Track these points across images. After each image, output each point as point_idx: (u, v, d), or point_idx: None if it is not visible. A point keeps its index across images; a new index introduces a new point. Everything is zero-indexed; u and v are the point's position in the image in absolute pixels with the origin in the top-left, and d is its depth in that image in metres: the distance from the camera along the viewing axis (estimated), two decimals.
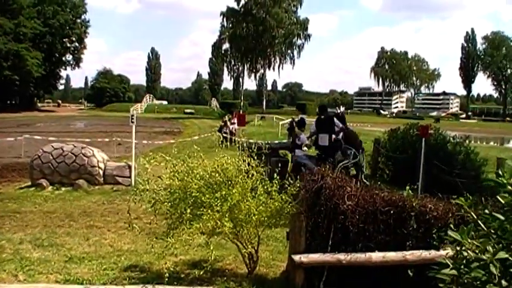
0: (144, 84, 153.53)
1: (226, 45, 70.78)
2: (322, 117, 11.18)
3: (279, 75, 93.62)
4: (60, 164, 12.89)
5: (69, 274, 5.86)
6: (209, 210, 4.99)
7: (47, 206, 10.72)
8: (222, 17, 68.73)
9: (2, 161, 18.87)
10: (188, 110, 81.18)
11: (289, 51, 68.73)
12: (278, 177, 5.38)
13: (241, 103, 71.56)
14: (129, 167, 13.09)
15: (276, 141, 18.42)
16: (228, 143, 23.01)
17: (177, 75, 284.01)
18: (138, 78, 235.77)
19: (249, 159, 5.46)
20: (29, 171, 13.66)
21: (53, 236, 7.95)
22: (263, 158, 5.90)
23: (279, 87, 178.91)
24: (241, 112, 31.40)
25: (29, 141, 21.88)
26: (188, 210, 5.08)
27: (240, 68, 71.43)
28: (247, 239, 5.43)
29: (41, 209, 10.35)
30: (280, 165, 6.86)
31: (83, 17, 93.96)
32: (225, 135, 23.97)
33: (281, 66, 69.20)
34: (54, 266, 6.21)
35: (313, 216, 5.01)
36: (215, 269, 5.84)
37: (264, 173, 5.45)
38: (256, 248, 5.54)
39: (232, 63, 71.89)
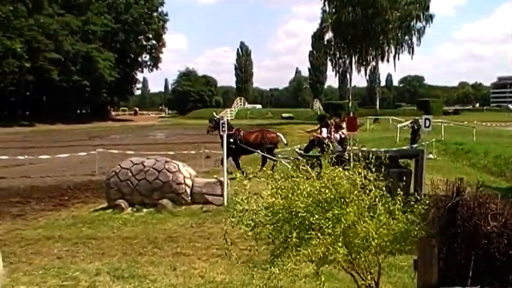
0: (234, 85, 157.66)
1: (329, 35, 71.29)
2: None
3: (395, 68, 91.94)
4: (140, 181, 13.62)
5: None
6: (319, 234, 5.05)
7: (127, 230, 11.35)
8: (322, 0, 68.95)
9: (73, 180, 20.26)
10: (286, 115, 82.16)
11: (406, 37, 67.69)
12: (401, 193, 5.40)
13: (350, 103, 71.23)
14: (221, 183, 13.48)
15: (394, 149, 18.29)
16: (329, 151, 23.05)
17: (272, 74, 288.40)
18: (227, 78, 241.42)
19: (365, 172, 5.51)
20: (105, 190, 14.50)
21: (134, 266, 8.42)
22: (383, 169, 5.93)
23: (395, 83, 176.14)
24: (351, 115, 31.27)
25: (104, 156, 23.30)
26: (294, 234, 5.16)
27: (347, 62, 71.28)
28: (365, 268, 5.45)
29: (120, 234, 10.98)
30: (403, 177, 6.86)
31: (159, 9, 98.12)
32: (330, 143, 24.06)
33: (397, 56, 68.40)
34: None
35: (447, 240, 4.96)
36: None
37: (384, 188, 5.48)
38: (376, 280, 5.56)
39: (337, 55, 71.94)
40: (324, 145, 18.62)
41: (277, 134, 20.47)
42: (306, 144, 19.79)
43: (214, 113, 20.29)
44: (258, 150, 18.90)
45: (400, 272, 7.11)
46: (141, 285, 7.35)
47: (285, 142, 20.68)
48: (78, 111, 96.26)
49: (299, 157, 16.52)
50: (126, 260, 8.80)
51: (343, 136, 18.08)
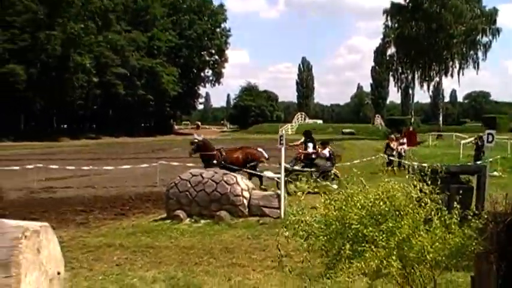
0: (295, 100, 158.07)
1: (391, 50, 70.59)
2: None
3: (459, 83, 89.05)
4: (199, 193, 13.77)
5: None
6: (372, 246, 5.00)
7: (184, 240, 11.47)
8: (385, 15, 68.70)
9: (135, 190, 20.72)
10: (347, 130, 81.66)
11: (471, 52, 66.12)
12: (458, 207, 5.26)
13: (412, 119, 70.04)
14: (278, 196, 13.42)
15: (457, 164, 17.91)
16: (396, 168, 22.78)
17: (333, 89, 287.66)
18: (288, 94, 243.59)
19: (420, 185, 5.41)
20: (164, 201, 14.83)
21: (189, 275, 8.46)
22: (439, 183, 5.80)
23: (459, 98, 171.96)
24: (411, 129, 30.90)
25: (165, 168, 23.72)
26: (347, 246, 5.11)
27: (410, 77, 70.33)
28: (419, 283, 5.32)
29: (177, 244, 11.09)
30: (461, 192, 6.69)
31: (222, 25, 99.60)
32: (391, 158, 23.78)
33: (461, 71, 66.95)
34: None
35: (506, 256, 4.80)
36: None
37: (440, 202, 5.36)
38: None
39: (400, 71, 71.06)
40: (309, 161, 18.52)
41: (259, 149, 20.08)
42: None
43: (195, 135, 19.74)
44: (244, 169, 18.40)
45: None
46: None
47: (267, 157, 19.97)
48: (143, 125, 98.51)
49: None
50: (182, 269, 8.87)
51: (404, 151, 17.79)
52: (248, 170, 18.16)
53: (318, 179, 17.21)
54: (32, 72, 65.53)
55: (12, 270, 5.06)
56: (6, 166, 24.70)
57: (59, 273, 5.89)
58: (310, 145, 18.91)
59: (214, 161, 18.01)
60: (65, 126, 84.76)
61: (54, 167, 23.92)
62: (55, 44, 65.41)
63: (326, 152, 18.58)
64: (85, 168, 24.95)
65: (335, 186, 15.30)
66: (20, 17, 64.60)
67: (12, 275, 5.05)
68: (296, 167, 18.38)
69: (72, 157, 38.47)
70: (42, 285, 5.51)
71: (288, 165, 17.44)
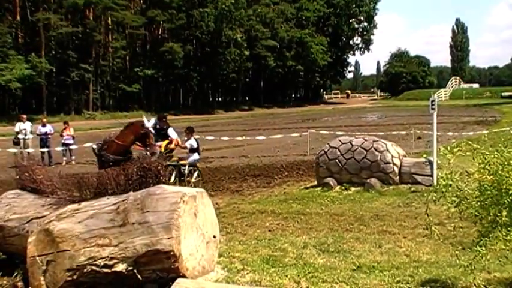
0: (449, 65, 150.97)
1: None
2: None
3: None
4: (348, 160, 13.71)
5: (356, 285, 6.07)
6: None
7: (334, 207, 11.53)
8: None
9: (286, 159, 21.10)
10: (506, 94, 76.43)
11: None
12: None
13: None
14: (430, 163, 13.03)
15: None
16: None
17: (492, 51, 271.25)
18: (441, 58, 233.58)
19: None
20: (314, 169, 14.96)
21: (339, 241, 8.48)
22: None
23: None
24: None
25: (315, 137, 23.88)
26: (504, 213, 4.84)
27: None
28: None
29: (328, 211, 11.19)
30: None
31: None
32: None
33: None
34: (340, 274, 6.54)
35: None
36: None
37: None
38: None
39: None
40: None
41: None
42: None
43: (144, 117, 13.37)
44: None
45: None
46: (346, 260, 7.37)
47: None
48: (293, 95, 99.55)
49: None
50: (333, 236, 8.91)
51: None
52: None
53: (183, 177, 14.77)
54: (188, 49, 68.56)
55: (173, 232, 5.38)
56: None
57: (214, 237, 6.16)
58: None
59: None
60: (220, 99, 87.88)
61: (210, 138, 24.96)
62: (208, 20, 67.83)
63: (193, 141, 15.37)
64: (239, 138, 25.78)
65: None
66: None
67: (173, 237, 5.37)
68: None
69: (227, 128, 39.94)
70: (199, 247, 5.80)
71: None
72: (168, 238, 5.39)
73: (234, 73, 75.36)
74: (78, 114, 57.85)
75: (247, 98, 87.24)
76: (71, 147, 22.25)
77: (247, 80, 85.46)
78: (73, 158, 22.23)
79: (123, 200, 5.80)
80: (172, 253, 5.35)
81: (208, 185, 15.36)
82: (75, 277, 5.60)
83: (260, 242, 8.58)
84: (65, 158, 22.22)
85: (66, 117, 45.28)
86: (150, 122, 12.71)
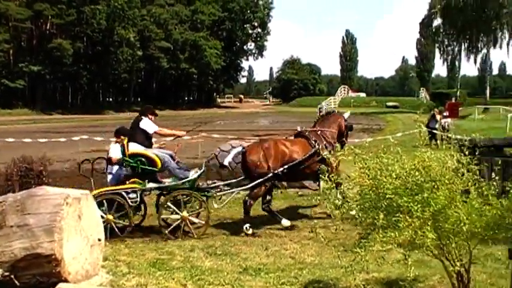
0: (338, 74, 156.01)
1: (437, 21, 68.79)
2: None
3: (508, 55, 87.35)
4: (238, 164, 13.80)
5: (242, 287, 6.26)
6: (407, 217, 4.95)
7: (223, 211, 11.53)
8: None
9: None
10: (391, 103, 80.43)
11: None
12: (497, 178, 5.15)
13: (458, 93, 68.46)
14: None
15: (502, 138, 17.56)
16: (439, 141, 22.43)
17: (378, 62, 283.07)
18: (331, 67, 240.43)
19: (458, 155, 5.32)
20: (205, 172, 14.99)
21: (227, 244, 8.63)
22: (478, 155, 5.68)
23: (509, 71, 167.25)
24: (453, 101, 30.29)
25: (207, 140, 23.88)
26: (381, 216, 5.07)
27: (456, 49, 68.76)
28: (455, 254, 5.27)
29: (217, 214, 11.21)
30: (504, 165, 6.58)
31: None
32: (434, 131, 23.44)
33: (511, 42, 64.69)
34: (226, 276, 6.67)
35: None
36: None
37: (478, 173, 5.26)
38: (467, 268, 5.36)
39: (446, 43, 69.43)
40: None
41: None
42: None
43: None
44: None
45: (496, 263, 6.81)
46: (233, 262, 7.48)
47: None
48: (186, 98, 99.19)
49: None
50: (221, 239, 9.03)
51: (447, 124, 16.64)
52: None
53: None
54: (78, 47, 66.54)
55: (55, 235, 5.23)
56: (54, 138, 25.24)
57: (99, 240, 6.05)
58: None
59: None
60: (110, 99, 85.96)
61: (98, 139, 24.30)
62: (100, 18, 66.14)
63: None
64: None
65: None
66: None
67: (55, 240, 5.22)
68: None
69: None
70: (83, 250, 5.67)
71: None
72: (50, 241, 5.23)
73: (126, 73, 73.99)
74: None
75: (139, 99, 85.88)
76: None
77: (140, 80, 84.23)
78: None
79: (1, 202, 5.56)
80: (53, 257, 5.21)
81: (97, 187, 14.93)
82: None
83: (147, 245, 8.54)
84: None
85: None
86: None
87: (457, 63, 72.97)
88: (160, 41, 75.92)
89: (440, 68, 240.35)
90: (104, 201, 9.31)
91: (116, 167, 10.17)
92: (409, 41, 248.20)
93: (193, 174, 10.01)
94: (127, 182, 9.72)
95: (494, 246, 6.39)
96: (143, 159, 9.63)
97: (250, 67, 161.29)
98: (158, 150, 10.29)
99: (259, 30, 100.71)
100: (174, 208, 9.49)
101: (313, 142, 10.27)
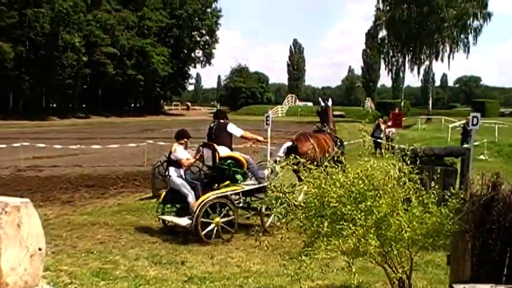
0: (286, 83, 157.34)
1: (382, 33, 70.33)
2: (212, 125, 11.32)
3: (449, 67, 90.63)
4: (185, 171, 13.78)
5: None
6: (350, 225, 5.04)
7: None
8: None
9: (123, 170, 20.71)
10: (337, 113, 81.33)
11: (462, 36, 65.67)
12: (437, 187, 5.31)
13: (402, 103, 70.00)
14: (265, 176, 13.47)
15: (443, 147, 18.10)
16: (384, 151, 22.91)
17: (325, 72, 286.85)
18: (279, 76, 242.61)
19: (400, 165, 5.45)
20: (150, 180, 14.87)
21: (172, 253, 8.59)
22: (419, 164, 5.84)
23: (450, 83, 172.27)
24: (397, 111, 30.97)
25: (153, 148, 23.68)
26: (326, 224, 5.15)
27: (400, 60, 70.13)
28: (397, 261, 5.40)
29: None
30: (444, 174, 6.78)
31: (213, 5, 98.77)
32: (379, 141, 23.92)
33: (452, 55, 66.46)
34: (171, 285, 6.67)
35: (481, 235, 4.85)
36: None
37: (419, 182, 5.41)
38: (408, 274, 5.50)
39: (391, 54, 70.91)
40: None
41: None
42: None
43: None
44: None
45: (436, 269, 7.03)
46: (178, 271, 7.46)
47: None
48: (132, 105, 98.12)
49: None
50: (166, 247, 8.96)
51: (391, 133, 17.48)
52: None
53: None
54: (20, 50, 64.84)
55: None
56: None
57: (40, 249, 5.90)
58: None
59: None
60: (54, 105, 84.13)
61: (41, 145, 23.80)
62: (43, 21, 64.64)
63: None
64: (73, 147, 24.86)
65: None
66: None
67: None
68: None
69: (61, 136, 38.29)
70: (22, 260, 5.51)
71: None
72: None
73: (70, 79, 72.49)
74: None
75: (84, 106, 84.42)
76: None
77: (85, 86, 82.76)
78: None
79: None
80: None
81: (37, 195, 14.66)
82: None
83: (90, 255, 8.40)
84: None
85: None
86: None
87: (401, 74, 74.45)
88: (107, 46, 74.79)
89: (385, 79, 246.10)
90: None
91: (181, 170, 10.76)
92: (355, 51, 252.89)
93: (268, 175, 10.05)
94: (215, 185, 10.27)
95: (434, 253, 6.58)
96: (234, 162, 10.29)
97: (198, 75, 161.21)
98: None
99: (207, 37, 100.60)
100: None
101: (335, 137, 13.04)
